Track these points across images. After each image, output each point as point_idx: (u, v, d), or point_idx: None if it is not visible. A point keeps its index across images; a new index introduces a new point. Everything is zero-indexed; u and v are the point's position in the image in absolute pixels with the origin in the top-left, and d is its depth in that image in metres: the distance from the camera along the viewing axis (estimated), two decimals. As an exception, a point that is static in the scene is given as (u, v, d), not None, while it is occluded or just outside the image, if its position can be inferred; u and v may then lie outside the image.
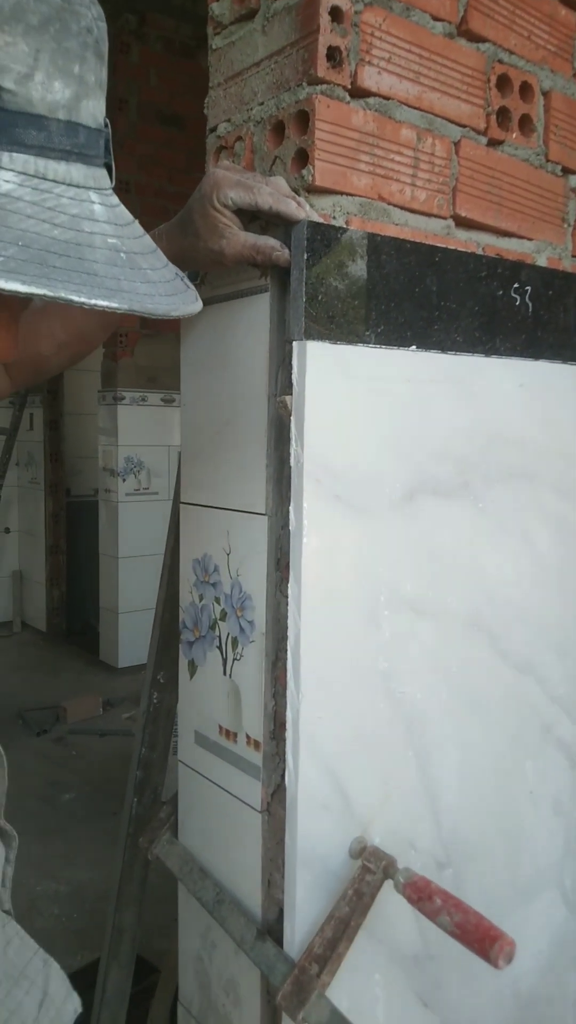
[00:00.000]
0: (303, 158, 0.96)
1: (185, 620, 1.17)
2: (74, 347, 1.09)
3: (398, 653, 1.03)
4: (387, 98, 1.00)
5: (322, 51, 0.93)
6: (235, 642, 1.06)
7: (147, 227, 0.97)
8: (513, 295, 1.09)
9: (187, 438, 1.14)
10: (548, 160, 1.19)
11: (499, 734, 1.18)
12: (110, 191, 0.68)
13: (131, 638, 4.40)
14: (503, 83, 1.12)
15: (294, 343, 0.92)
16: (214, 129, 1.09)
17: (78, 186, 0.64)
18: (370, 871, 0.98)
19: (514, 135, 1.14)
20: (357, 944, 0.97)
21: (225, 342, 1.05)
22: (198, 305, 0.70)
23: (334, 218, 0.97)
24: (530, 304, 1.11)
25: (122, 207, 0.69)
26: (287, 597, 0.96)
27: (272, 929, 1.03)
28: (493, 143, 1.13)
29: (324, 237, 0.91)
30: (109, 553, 4.50)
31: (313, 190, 0.96)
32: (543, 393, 1.16)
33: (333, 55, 0.94)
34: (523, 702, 1.20)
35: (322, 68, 0.93)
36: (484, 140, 1.11)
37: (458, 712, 1.12)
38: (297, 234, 0.91)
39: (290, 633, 0.95)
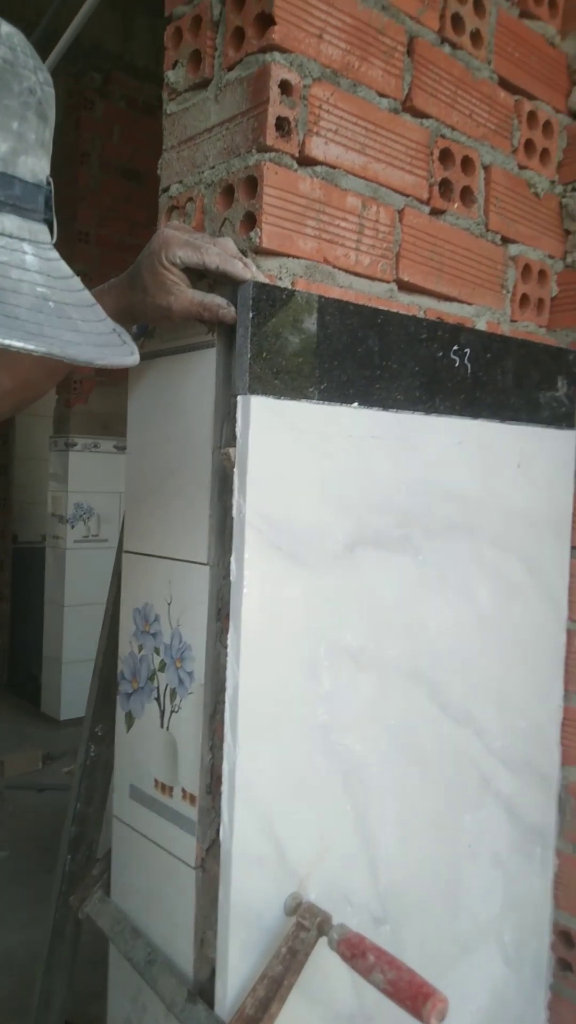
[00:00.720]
0: (251, 221, 0.99)
1: (124, 671, 1.15)
2: (20, 394, 1.09)
3: (338, 704, 1.04)
4: (334, 167, 1.04)
5: (271, 121, 0.97)
6: (173, 693, 1.05)
7: (105, 278, 0.99)
8: (453, 357, 1.13)
9: (132, 486, 1.15)
10: (488, 229, 1.25)
11: (438, 787, 1.18)
12: (49, 245, 0.70)
13: (75, 689, 4.30)
14: (445, 156, 1.18)
15: (239, 397, 0.94)
16: (167, 189, 1.13)
17: (10, 236, 0.66)
18: (304, 928, 0.97)
19: (456, 205, 1.20)
20: (291, 1005, 0.95)
21: (172, 394, 1.07)
22: (130, 359, 0.71)
23: (280, 279, 1.01)
24: (469, 366, 1.16)
25: (61, 262, 0.71)
26: (227, 648, 0.96)
27: (204, 990, 1.01)
28: (435, 212, 1.18)
29: (269, 297, 0.94)
30: (55, 601, 4.42)
31: (260, 252, 0.99)
32: (482, 451, 1.19)
33: (282, 125, 0.98)
34: (462, 754, 1.21)
35: (271, 137, 0.97)
36: (427, 209, 1.17)
37: (397, 764, 1.12)
38: (243, 293, 0.93)
39: (228, 684, 0.95)
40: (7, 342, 0.59)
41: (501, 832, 1.30)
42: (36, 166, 0.69)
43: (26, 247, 0.67)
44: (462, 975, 1.25)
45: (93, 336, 0.68)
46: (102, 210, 4.39)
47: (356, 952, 0.92)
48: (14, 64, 0.66)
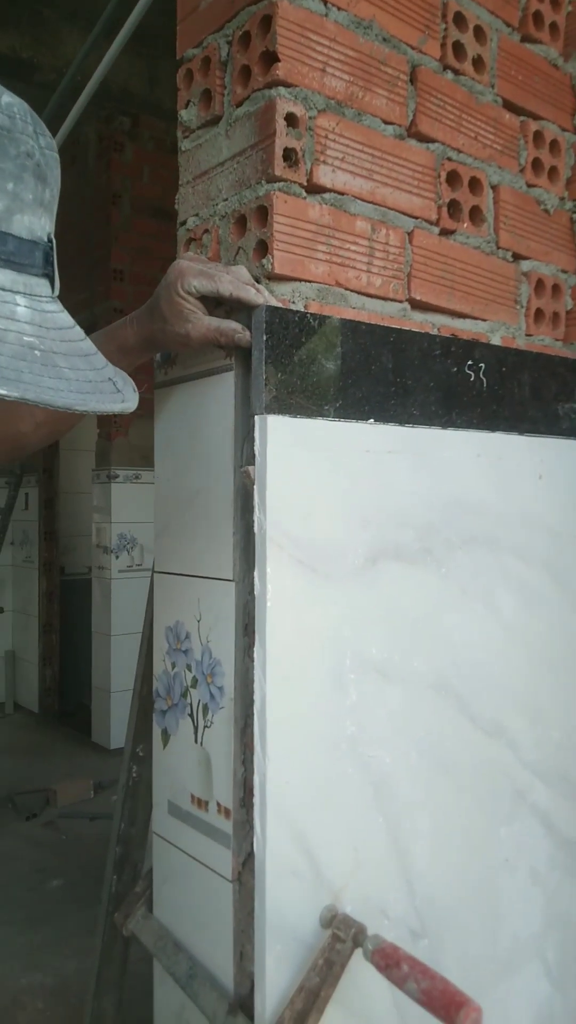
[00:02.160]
0: (263, 248, 1.03)
1: (158, 688, 1.18)
2: (52, 425, 1.14)
3: (365, 717, 1.05)
4: (342, 193, 1.08)
5: (279, 152, 1.01)
6: (205, 709, 1.08)
7: None
8: (468, 371, 1.15)
9: (160, 509, 1.19)
10: (499, 247, 1.28)
11: (470, 799, 1.18)
12: (48, 298, 0.73)
13: (123, 718, 4.29)
14: (453, 178, 1.21)
15: (256, 417, 0.98)
16: (184, 223, 1.18)
17: (2, 289, 0.70)
18: (340, 939, 0.98)
19: (465, 225, 1.23)
20: (329, 1016, 0.96)
21: (195, 417, 1.11)
22: (118, 406, 0.73)
23: (293, 303, 1.04)
24: (485, 380, 1.18)
25: (62, 314, 0.74)
26: (254, 662, 0.98)
27: (244, 1003, 1.02)
28: (445, 232, 1.21)
29: (283, 320, 0.97)
30: (102, 631, 4.50)
31: (273, 277, 1.03)
32: (501, 463, 1.21)
33: (289, 156, 1.03)
34: (494, 767, 1.21)
35: (279, 167, 1.01)
36: (436, 230, 1.20)
37: (428, 776, 1.12)
38: (257, 318, 0.97)
39: (256, 697, 0.98)
40: None
41: (539, 846, 1.29)
42: (34, 224, 0.72)
43: (19, 299, 0.70)
44: (504, 994, 1.24)
45: (79, 383, 0.70)
46: (134, 248, 4.51)
47: (391, 962, 0.93)
48: (11, 131, 0.70)
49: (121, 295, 4.41)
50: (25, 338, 0.68)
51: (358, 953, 0.97)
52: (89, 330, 0.81)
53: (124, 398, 0.74)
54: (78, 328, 0.75)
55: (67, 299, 0.75)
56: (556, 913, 1.32)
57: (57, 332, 0.72)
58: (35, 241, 0.72)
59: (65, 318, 0.74)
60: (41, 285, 0.73)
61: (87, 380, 0.72)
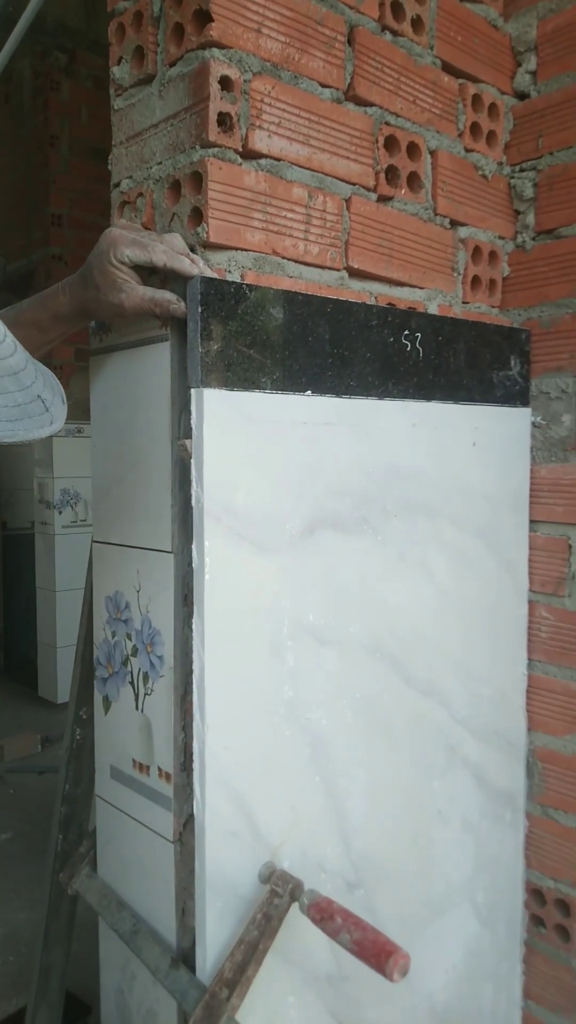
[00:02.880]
0: (198, 216, 1.01)
1: (99, 656, 1.20)
2: None
3: (302, 681, 1.08)
4: (278, 159, 1.06)
5: (213, 117, 0.99)
6: (146, 677, 1.10)
7: (81, 260, 1.01)
8: (404, 341, 1.16)
9: (98, 478, 1.18)
10: (436, 214, 1.28)
11: (405, 756, 1.23)
12: None
13: (69, 673, 4.33)
14: (391, 143, 1.20)
15: (192, 390, 0.97)
16: (117, 184, 1.15)
17: None
18: (277, 894, 1.02)
19: (403, 191, 1.22)
20: (270, 967, 1.01)
21: (131, 387, 1.10)
22: (47, 430, 0.73)
23: (229, 272, 1.03)
24: (421, 349, 1.19)
25: None
26: (193, 632, 1.00)
27: (187, 957, 1.06)
28: (383, 199, 1.20)
29: (218, 291, 0.97)
30: (46, 587, 4.46)
31: (208, 246, 1.01)
32: (436, 432, 1.23)
33: (224, 120, 1.01)
34: (428, 724, 1.26)
35: (213, 133, 0.99)
36: (374, 196, 1.19)
37: (364, 736, 1.17)
38: (192, 289, 0.96)
39: (195, 667, 0.99)
40: None
41: (471, 797, 1.35)
42: None
43: None
44: (436, 934, 1.31)
45: (8, 409, 0.70)
46: (74, 192, 4.36)
47: (325, 915, 0.97)
48: None
49: (60, 240, 4.27)
50: None
51: (295, 907, 1.01)
52: (26, 279, 0.80)
53: (52, 418, 0.74)
54: (8, 340, 0.73)
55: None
56: (486, 858, 1.39)
57: None
58: None
59: None
60: None
61: (15, 404, 0.71)
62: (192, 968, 1.03)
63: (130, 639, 1.12)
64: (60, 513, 4.37)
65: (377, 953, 0.90)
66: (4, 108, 4.63)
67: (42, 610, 4.52)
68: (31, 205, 4.40)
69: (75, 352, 4.31)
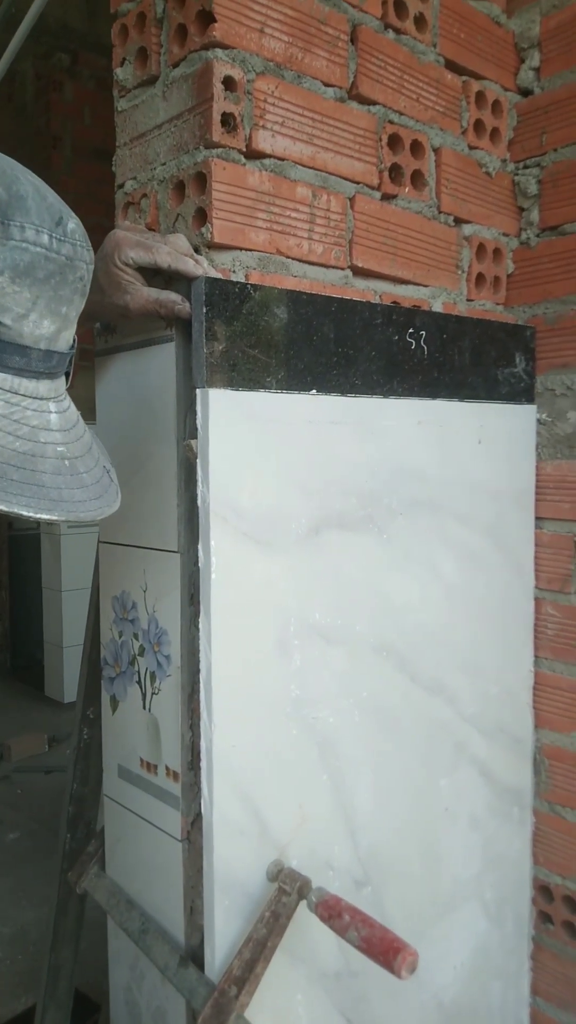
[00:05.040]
0: (202, 216, 1.01)
1: (106, 656, 1.20)
2: None
3: (309, 680, 1.08)
4: (282, 159, 1.07)
5: (216, 117, 0.99)
6: (153, 676, 1.10)
7: None
8: (409, 340, 1.16)
9: (104, 480, 1.18)
10: (440, 211, 1.28)
11: (412, 754, 1.23)
12: (64, 395, 0.79)
13: (75, 672, 4.36)
14: (394, 142, 1.20)
15: (197, 390, 0.98)
16: (122, 185, 1.15)
17: (41, 398, 0.76)
18: (286, 892, 1.02)
19: (407, 189, 1.22)
20: (278, 964, 1.01)
21: (137, 387, 1.10)
22: (116, 503, 0.82)
23: (234, 272, 1.03)
24: (426, 347, 1.19)
25: (71, 408, 0.81)
26: (200, 632, 1.00)
27: (196, 955, 1.06)
28: (387, 197, 1.20)
29: (222, 291, 0.97)
30: (52, 587, 4.47)
31: (213, 246, 1.02)
32: (441, 430, 1.23)
33: (227, 120, 1.01)
34: (435, 722, 1.26)
35: (217, 133, 0.99)
36: (378, 195, 1.19)
37: (371, 734, 1.17)
38: (196, 289, 0.96)
39: (202, 666, 1.00)
40: (39, 516, 0.71)
41: (478, 794, 1.35)
42: (71, 336, 0.78)
43: (51, 406, 0.77)
44: (444, 932, 1.31)
45: (93, 487, 0.79)
46: (77, 194, 4.36)
47: (333, 913, 0.98)
48: (72, 259, 0.74)
49: None
50: (58, 448, 0.77)
51: (303, 905, 1.02)
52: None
53: (117, 486, 0.85)
54: (81, 421, 0.83)
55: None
56: (494, 855, 1.39)
57: (74, 432, 0.80)
58: (70, 351, 0.79)
59: (73, 411, 0.82)
60: (62, 383, 0.79)
61: (96, 480, 0.80)
62: (201, 966, 1.04)
63: (137, 639, 1.13)
64: (65, 513, 4.37)
65: (385, 950, 0.90)
66: (7, 109, 4.64)
67: (48, 610, 4.53)
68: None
69: (80, 352, 4.31)
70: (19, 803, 3.38)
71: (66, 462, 0.76)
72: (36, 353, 0.74)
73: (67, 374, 0.81)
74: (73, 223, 0.75)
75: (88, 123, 4.44)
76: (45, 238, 0.71)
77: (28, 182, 0.73)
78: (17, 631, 5.20)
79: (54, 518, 0.72)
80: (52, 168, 4.29)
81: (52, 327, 0.74)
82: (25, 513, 0.70)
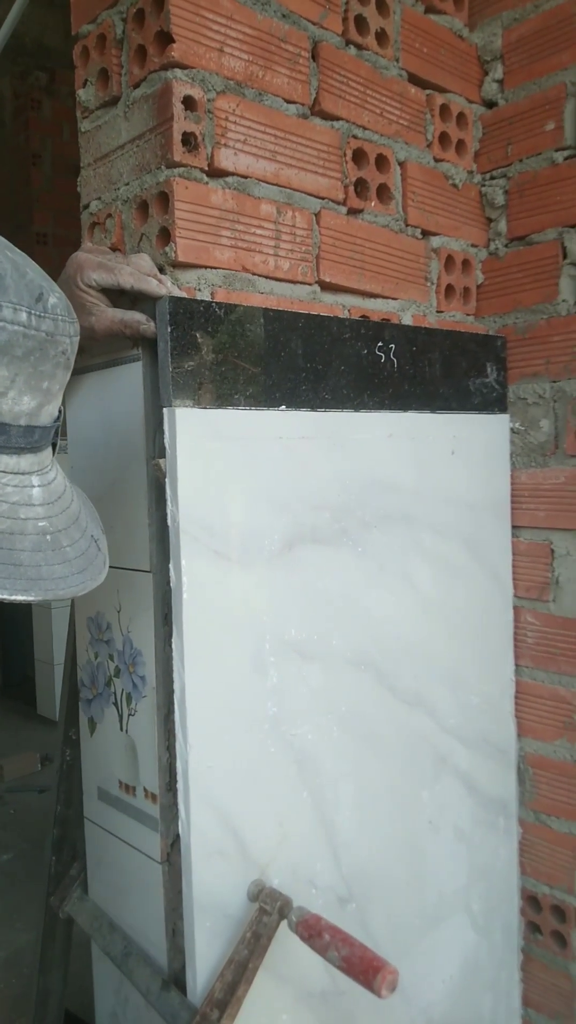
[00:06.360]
0: (166, 236, 1.02)
1: (83, 678, 1.19)
2: None
3: (286, 697, 1.08)
4: (245, 176, 1.07)
5: (177, 137, 0.99)
6: (129, 698, 1.09)
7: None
8: (378, 353, 1.17)
9: (77, 500, 1.18)
10: (408, 224, 1.28)
11: (393, 767, 1.22)
12: (49, 466, 0.78)
13: (67, 689, 4.33)
14: (359, 156, 1.21)
15: (164, 410, 0.97)
16: (87, 206, 1.15)
17: (23, 473, 0.75)
18: (266, 912, 1.01)
19: (373, 203, 1.22)
20: (262, 985, 1.00)
21: (106, 407, 1.10)
22: (102, 575, 0.81)
23: (199, 290, 1.03)
24: (395, 360, 1.19)
25: (57, 479, 0.79)
26: (174, 651, 1.00)
27: (178, 978, 1.05)
28: (353, 212, 1.20)
29: (187, 310, 0.97)
30: (42, 604, 4.45)
31: (177, 265, 1.02)
32: (413, 442, 1.23)
33: (188, 140, 1.01)
34: (416, 734, 1.26)
35: (178, 152, 1.00)
36: (344, 210, 1.19)
37: (351, 749, 1.16)
38: (161, 309, 0.96)
39: (176, 687, 0.99)
40: (13, 597, 0.70)
41: (462, 806, 1.34)
42: (54, 409, 0.77)
43: (34, 480, 0.76)
44: (431, 946, 1.30)
45: (77, 561, 0.78)
46: (58, 210, 4.38)
47: (313, 932, 0.97)
48: (54, 334, 0.73)
49: (45, 260, 4.18)
50: (39, 523, 0.75)
51: (284, 924, 1.01)
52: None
53: (105, 557, 0.84)
54: (67, 488, 0.81)
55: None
56: (480, 866, 1.39)
57: (59, 504, 0.79)
58: (53, 424, 0.78)
59: (60, 482, 0.80)
60: (48, 455, 0.78)
61: (81, 552, 0.79)
62: (183, 989, 1.03)
63: (112, 660, 1.12)
64: (53, 530, 4.36)
65: (365, 969, 0.90)
66: (-14, 128, 4.65)
67: (38, 627, 4.51)
68: (15, 224, 4.41)
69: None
70: (12, 823, 3.36)
71: (48, 537, 0.75)
72: (16, 430, 0.73)
73: (54, 444, 0.80)
74: (55, 298, 0.74)
75: (67, 139, 4.46)
76: (24, 316, 0.70)
77: (7, 259, 0.71)
78: (8, 649, 5.18)
79: (31, 599, 0.71)
80: (32, 185, 4.30)
81: (33, 403, 0.73)
82: (0, 595, 0.70)
